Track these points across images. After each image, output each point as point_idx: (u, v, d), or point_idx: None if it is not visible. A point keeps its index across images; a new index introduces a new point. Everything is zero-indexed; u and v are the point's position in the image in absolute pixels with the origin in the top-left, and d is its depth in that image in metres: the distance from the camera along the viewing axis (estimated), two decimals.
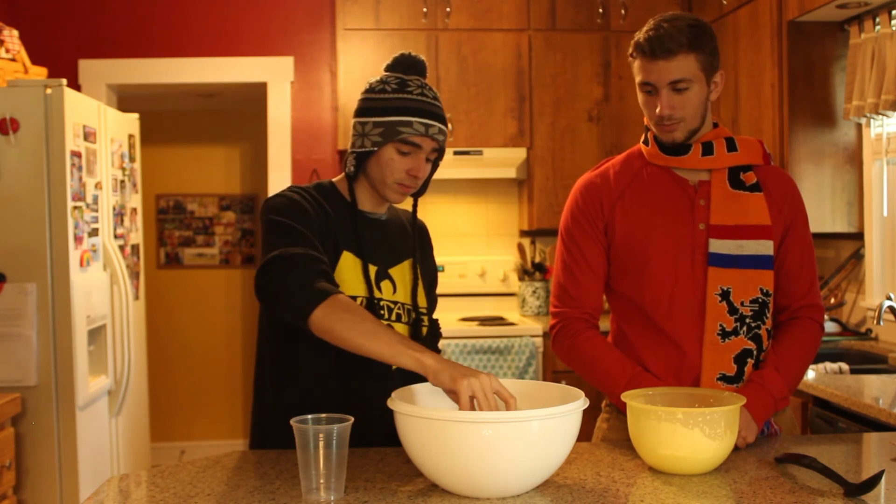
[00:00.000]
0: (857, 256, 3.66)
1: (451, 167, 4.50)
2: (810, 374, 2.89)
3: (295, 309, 1.65)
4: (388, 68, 1.89)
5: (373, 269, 1.87)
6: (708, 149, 1.97)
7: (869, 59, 3.30)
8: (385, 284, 1.89)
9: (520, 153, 4.53)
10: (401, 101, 1.82)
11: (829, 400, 2.65)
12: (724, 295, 1.93)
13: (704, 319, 1.93)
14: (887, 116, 3.32)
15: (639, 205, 2.00)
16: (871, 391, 2.62)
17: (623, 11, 4.52)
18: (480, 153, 4.51)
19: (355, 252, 1.86)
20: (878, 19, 3.29)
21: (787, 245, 1.99)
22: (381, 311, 1.86)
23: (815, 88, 3.59)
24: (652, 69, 1.90)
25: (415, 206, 2.02)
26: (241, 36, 4.74)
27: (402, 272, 1.93)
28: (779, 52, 3.62)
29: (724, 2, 4.09)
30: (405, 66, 1.88)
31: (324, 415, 1.52)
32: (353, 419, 1.50)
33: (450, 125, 4.46)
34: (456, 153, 4.49)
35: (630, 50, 1.95)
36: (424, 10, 4.45)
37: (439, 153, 1.89)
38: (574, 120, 4.53)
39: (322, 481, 1.48)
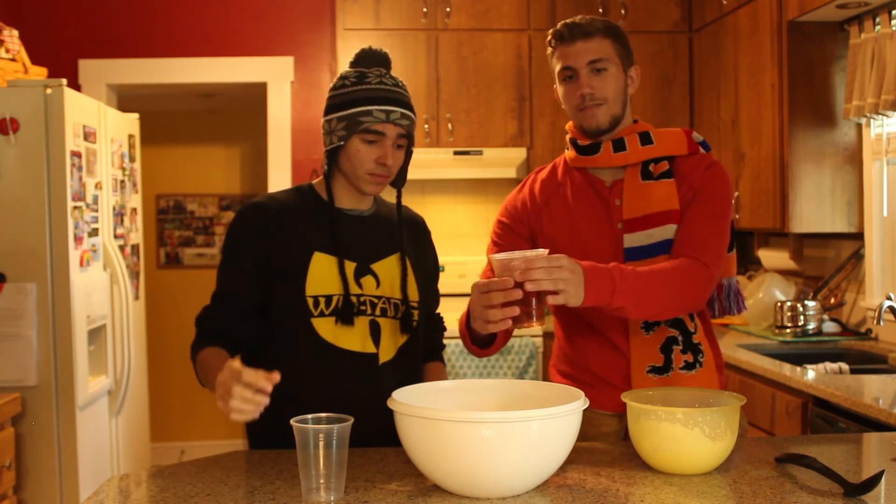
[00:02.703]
0: (857, 256, 3.66)
1: (451, 167, 4.50)
2: (810, 374, 2.89)
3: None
4: (351, 64, 1.93)
5: (350, 266, 1.88)
6: (620, 145, 1.99)
7: (869, 59, 3.30)
8: (367, 280, 1.90)
9: (520, 153, 4.53)
10: (359, 92, 1.85)
11: (829, 400, 2.65)
12: None
13: None
14: (887, 116, 3.32)
15: (561, 212, 2.03)
16: (871, 391, 2.62)
17: (623, 11, 4.52)
18: (480, 153, 4.51)
19: (329, 251, 1.87)
20: (878, 19, 3.29)
21: (687, 212, 1.95)
22: (363, 307, 1.87)
23: (815, 88, 3.59)
24: (570, 52, 1.96)
25: (398, 197, 2.02)
26: (241, 36, 4.74)
27: (387, 266, 1.93)
28: (779, 52, 3.62)
29: (724, 2, 4.09)
30: (367, 60, 1.91)
31: (324, 414, 1.52)
32: (352, 419, 1.50)
33: (450, 125, 4.46)
34: (456, 153, 4.49)
35: (548, 39, 2.01)
36: (424, 10, 4.45)
37: (409, 139, 1.90)
38: None
39: (322, 481, 1.48)
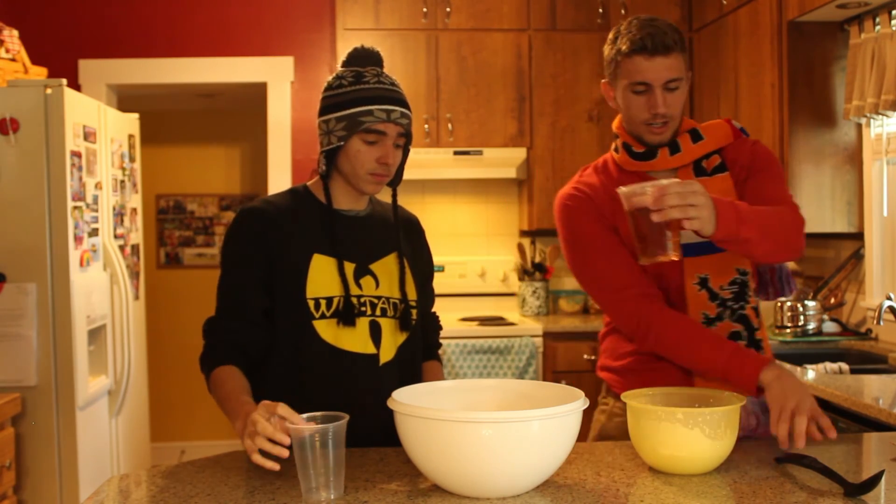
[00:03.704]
0: (857, 256, 3.66)
1: (451, 167, 4.50)
2: (810, 374, 2.89)
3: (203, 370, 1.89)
4: (344, 64, 1.92)
5: (350, 267, 1.88)
6: (675, 147, 1.98)
7: (869, 59, 3.30)
8: (366, 280, 1.89)
9: (520, 153, 4.53)
10: (358, 91, 1.84)
11: (829, 400, 2.65)
12: (703, 283, 1.94)
13: (688, 310, 1.94)
14: (887, 116, 3.32)
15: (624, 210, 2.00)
16: (871, 391, 2.62)
17: (623, 11, 4.52)
18: (480, 153, 4.51)
19: (328, 252, 1.87)
20: (878, 19, 3.29)
21: (750, 182, 1.96)
22: (363, 308, 1.86)
23: (815, 88, 3.59)
24: (649, 67, 1.89)
25: (394, 196, 2.01)
26: (241, 36, 4.75)
27: (385, 266, 1.93)
28: (779, 52, 3.62)
29: (724, 2, 4.09)
30: (360, 59, 1.90)
31: (318, 413, 1.52)
32: (348, 416, 1.50)
33: (450, 125, 4.46)
34: (456, 153, 4.49)
35: (623, 48, 1.91)
36: (424, 10, 4.45)
37: (407, 138, 1.89)
38: (574, 120, 4.53)
39: (321, 480, 1.48)
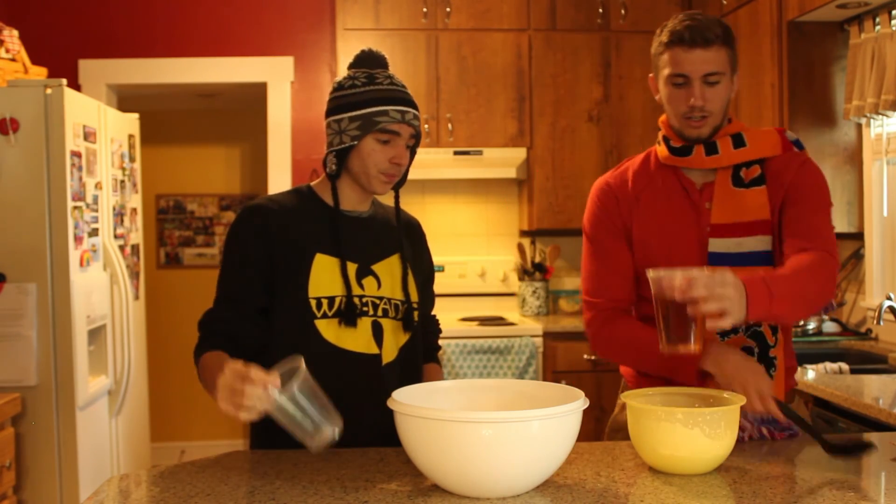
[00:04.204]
0: (857, 256, 3.66)
1: (451, 167, 4.50)
2: (810, 374, 2.89)
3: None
4: (353, 66, 1.93)
5: (352, 267, 1.88)
6: (712, 148, 1.97)
7: (869, 59, 3.30)
8: (368, 281, 1.90)
9: (520, 153, 4.53)
10: (372, 92, 1.85)
11: (829, 400, 2.65)
12: None
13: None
14: (887, 116, 3.32)
15: (652, 211, 2.01)
16: (871, 391, 2.62)
17: (623, 11, 4.52)
18: (480, 153, 4.51)
19: (331, 252, 1.87)
20: (878, 19, 3.29)
21: (793, 207, 1.94)
22: (365, 308, 1.87)
23: (815, 88, 3.59)
24: (687, 59, 1.89)
25: (396, 198, 2.02)
26: (241, 36, 4.75)
27: (388, 267, 1.93)
28: (779, 52, 3.62)
29: (724, 2, 4.09)
30: (369, 62, 1.91)
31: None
32: (299, 364, 1.52)
33: (450, 125, 4.46)
34: (456, 153, 4.49)
35: (664, 40, 1.93)
36: (424, 10, 4.45)
37: (416, 139, 1.91)
38: (574, 120, 4.53)
39: (315, 425, 1.51)
